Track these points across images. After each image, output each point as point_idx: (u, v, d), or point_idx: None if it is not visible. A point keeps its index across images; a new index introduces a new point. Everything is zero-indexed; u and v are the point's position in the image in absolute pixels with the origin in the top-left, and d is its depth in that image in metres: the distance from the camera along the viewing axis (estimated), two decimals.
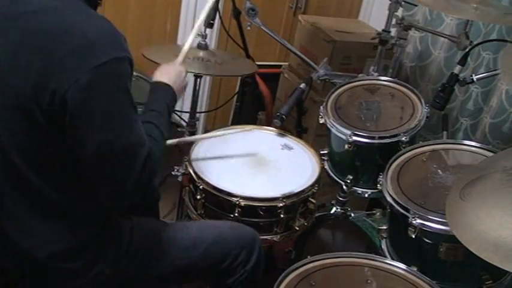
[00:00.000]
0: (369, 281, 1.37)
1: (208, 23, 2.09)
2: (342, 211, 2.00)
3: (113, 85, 1.15)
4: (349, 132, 1.80)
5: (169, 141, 1.67)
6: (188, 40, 1.73)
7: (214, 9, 2.09)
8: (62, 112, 1.13)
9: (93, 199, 1.29)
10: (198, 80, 2.18)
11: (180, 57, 1.66)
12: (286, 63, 2.88)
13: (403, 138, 1.77)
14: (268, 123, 2.34)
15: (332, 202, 2.04)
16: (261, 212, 1.64)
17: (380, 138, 1.81)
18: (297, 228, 1.73)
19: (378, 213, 1.96)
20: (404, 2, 2.22)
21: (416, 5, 2.54)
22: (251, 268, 1.53)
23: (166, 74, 1.51)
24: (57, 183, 1.24)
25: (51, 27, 1.14)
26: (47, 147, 1.19)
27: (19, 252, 1.27)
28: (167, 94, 1.46)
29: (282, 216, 1.64)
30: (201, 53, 2.10)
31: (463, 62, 1.80)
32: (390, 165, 1.67)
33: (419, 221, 1.46)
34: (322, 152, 1.96)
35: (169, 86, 1.47)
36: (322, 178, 1.79)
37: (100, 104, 1.14)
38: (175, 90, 1.49)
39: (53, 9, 1.16)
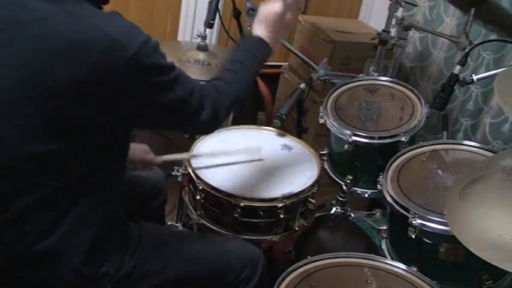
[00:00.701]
0: (368, 281, 1.37)
1: (208, 23, 2.09)
2: (342, 211, 2.01)
3: (148, 69, 1.18)
4: (349, 132, 1.80)
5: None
6: None
7: (215, 9, 2.09)
8: (109, 111, 1.18)
9: (96, 197, 1.29)
10: None
11: None
12: (286, 63, 2.88)
13: (403, 139, 1.77)
14: (268, 123, 2.34)
15: (332, 202, 2.04)
16: (261, 212, 1.64)
17: (380, 138, 1.81)
18: (297, 229, 1.73)
19: (378, 213, 1.97)
20: (404, 2, 2.22)
21: (416, 5, 2.54)
22: (253, 287, 1.53)
23: (258, 22, 1.51)
24: (62, 180, 1.23)
25: (67, 31, 1.12)
26: (56, 151, 1.19)
27: (29, 254, 1.27)
28: (253, 44, 1.48)
29: (281, 216, 1.64)
30: (201, 55, 2.10)
31: (463, 62, 1.80)
32: (390, 165, 1.67)
33: (419, 221, 1.46)
34: (322, 152, 1.96)
35: (258, 37, 1.48)
36: (322, 178, 1.79)
37: (146, 91, 1.20)
38: (271, 32, 1.48)
39: (64, 14, 1.15)
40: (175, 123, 1.36)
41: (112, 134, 1.25)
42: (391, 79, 2.04)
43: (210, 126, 1.39)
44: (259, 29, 1.49)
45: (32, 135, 1.17)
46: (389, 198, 1.56)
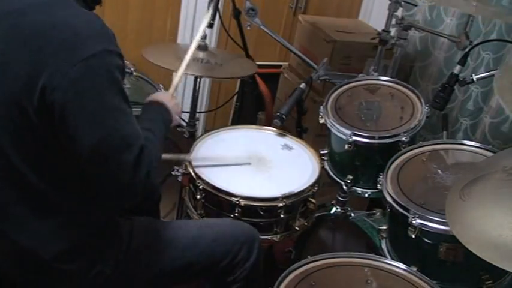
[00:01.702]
0: (368, 281, 1.37)
1: (208, 23, 2.09)
2: (342, 211, 2.00)
3: (104, 76, 1.14)
4: (349, 132, 1.80)
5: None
6: (181, 69, 1.73)
7: (215, 9, 2.09)
8: (52, 109, 1.12)
9: (91, 198, 1.29)
10: (198, 80, 2.18)
11: (172, 89, 1.67)
12: (286, 63, 2.88)
13: (403, 138, 1.77)
14: (268, 123, 2.33)
15: (332, 202, 2.04)
16: (261, 212, 1.64)
17: (380, 138, 1.81)
18: (297, 228, 1.73)
19: (378, 213, 1.96)
20: (405, 2, 2.22)
21: (416, 5, 2.54)
22: (251, 266, 1.53)
23: (157, 97, 1.50)
24: (55, 182, 1.24)
25: (40, 23, 1.14)
26: (42, 146, 1.19)
27: (22, 253, 1.27)
28: (160, 112, 1.44)
29: (282, 216, 1.64)
30: (201, 54, 2.10)
31: (463, 62, 1.80)
32: (390, 165, 1.67)
33: (419, 221, 1.46)
34: (322, 152, 1.96)
35: (162, 104, 1.45)
36: (322, 178, 1.79)
37: (93, 97, 1.13)
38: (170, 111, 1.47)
39: (42, 6, 1.16)
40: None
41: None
42: (391, 79, 2.04)
43: (131, 192, 1.23)
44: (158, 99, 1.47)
45: (8, 125, 1.18)
46: (389, 198, 1.57)
